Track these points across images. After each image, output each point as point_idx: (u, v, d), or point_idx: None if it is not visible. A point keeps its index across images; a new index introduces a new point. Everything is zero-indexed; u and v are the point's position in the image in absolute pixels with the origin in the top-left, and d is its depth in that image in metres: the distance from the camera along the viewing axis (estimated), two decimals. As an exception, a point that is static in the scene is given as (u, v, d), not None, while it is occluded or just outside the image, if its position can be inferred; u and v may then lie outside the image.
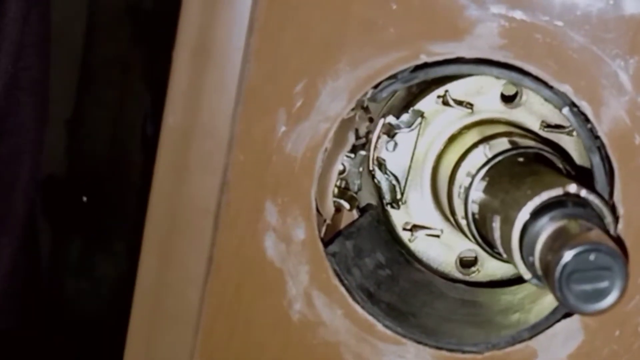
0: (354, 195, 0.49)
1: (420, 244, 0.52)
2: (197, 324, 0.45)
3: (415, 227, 0.52)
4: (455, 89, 0.49)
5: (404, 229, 0.52)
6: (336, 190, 0.47)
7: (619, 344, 0.44)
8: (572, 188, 0.38)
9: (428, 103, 0.50)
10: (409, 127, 0.49)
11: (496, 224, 0.41)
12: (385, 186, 0.50)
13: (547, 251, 0.36)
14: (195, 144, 0.44)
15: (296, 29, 0.43)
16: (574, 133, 0.49)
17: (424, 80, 0.48)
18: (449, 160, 0.49)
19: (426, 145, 0.50)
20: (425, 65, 0.44)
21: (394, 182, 0.50)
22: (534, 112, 0.50)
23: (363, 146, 0.48)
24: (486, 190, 0.44)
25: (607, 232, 0.38)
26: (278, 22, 0.43)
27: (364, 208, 0.52)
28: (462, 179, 0.47)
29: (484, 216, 0.43)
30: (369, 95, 0.44)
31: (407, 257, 0.52)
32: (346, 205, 0.47)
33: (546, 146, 0.46)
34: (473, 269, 0.53)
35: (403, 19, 0.42)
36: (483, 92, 0.49)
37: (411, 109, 0.50)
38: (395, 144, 0.50)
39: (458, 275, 0.52)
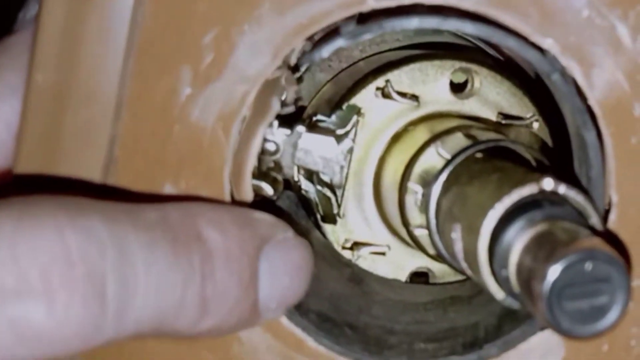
0: (277, 177, 0.39)
1: (364, 264, 0.45)
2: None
3: (356, 245, 0.45)
4: (397, 78, 0.43)
5: (344, 248, 0.45)
6: (256, 170, 0.37)
7: (607, 361, 0.37)
8: (548, 184, 0.32)
9: (365, 97, 0.43)
10: (344, 127, 0.41)
11: (456, 234, 0.35)
12: (316, 198, 0.42)
13: (527, 263, 0.31)
14: (72, 110, 0.35)
15: (205, -40, 0.34)
16: (535, 125, 0.44)
17: (362, 67, 0.43)
18: (395, 163, 0.43)
19: (365, 148, 0.44)
20: (377, 16, 0.35)
21: (329, 193, 0.42)
22: (489, 102, 0.44)
23: (303, 120, 0.39)
24: (442, 196, 0.37)
25: (596, 232, 0.32)
26: (181, -50, 0.34)
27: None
28: (415, 184, 0.40)
29: (441, 226, 0.37)
30: (305, 52, 0.36)
31: (333, 249, 0.45)
32: (269, 189, 0.38)
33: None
34: (424, 284, 0.46)
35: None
36: (429, 81, 0.44)
37: (345, 104, 0.42)
38: None
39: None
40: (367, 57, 0.46)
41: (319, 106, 0.45)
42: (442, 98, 0.44)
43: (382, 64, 0.44)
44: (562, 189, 0.32)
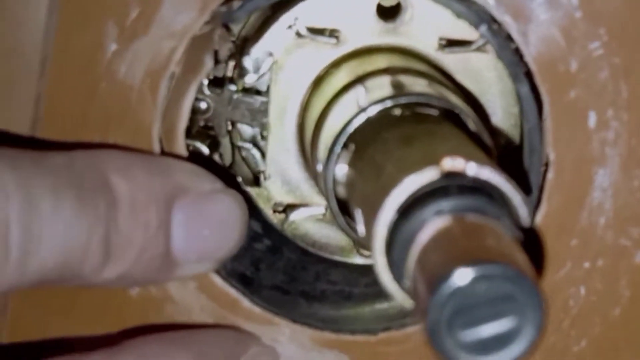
0: (215, 136, 0.38)
1: (301, 228, 0.40)
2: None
3: (290, 207, 0.40)
4: (308, 13, 0.37)
5: (275, 211, 0.40)
6: (193, 130, 0.36)
7: (545, 321, 0.36)
8: (450, 163, 0.26)
9: (277, 37, 0.38)
10: (256, 71, 0.38)
11: (359, 217, 0.29)
12: (238, 159, 0.39)
13: (420, 278, 0.24)
14: (-6, 66, 0.34)
15: None
16: (488, 48, 0.37)
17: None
18: (313, 114, 0.37)
19: (284, 96, 0.38)
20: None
21: (254, 150, 0.39)
22: (427, 25, 0.37)
23: (232, 79, 0.38)
24: (353, 164, 0.32)
25: (515, 229, 0.26)
26: None
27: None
28: (327, 140, 0.34)
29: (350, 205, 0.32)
30: (226, 10, 0.34)
31: None
32: (204, 149, 0.37)
33: (445, 80, 0.35)
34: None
35: None
36: (351, 10, 0.37)
37: (254, 46, 0.38)
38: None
39: (358, 260, 0.41)
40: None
41: (247, 41, 0.39)
42: (368, 28, 0.37)
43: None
44: (473, 169, 0.25)
